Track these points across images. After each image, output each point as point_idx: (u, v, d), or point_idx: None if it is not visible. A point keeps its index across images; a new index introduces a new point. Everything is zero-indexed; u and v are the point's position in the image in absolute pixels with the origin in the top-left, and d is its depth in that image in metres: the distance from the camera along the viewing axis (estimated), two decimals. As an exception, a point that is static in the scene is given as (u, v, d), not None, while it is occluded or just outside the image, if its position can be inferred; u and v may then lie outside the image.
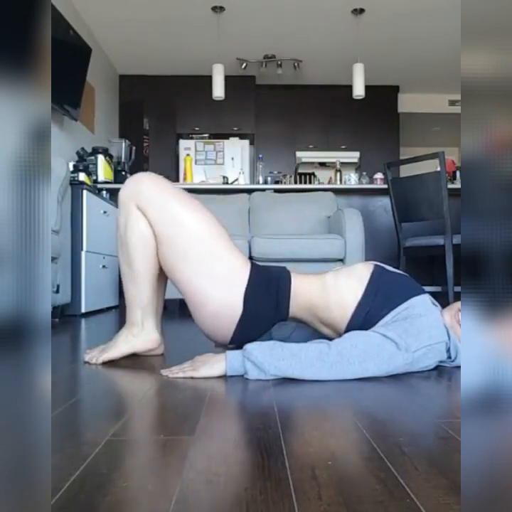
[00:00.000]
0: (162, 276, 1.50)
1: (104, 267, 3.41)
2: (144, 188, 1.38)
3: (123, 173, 4.34)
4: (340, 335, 1.37)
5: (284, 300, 1.36)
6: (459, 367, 1.32)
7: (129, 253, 1.42)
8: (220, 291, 1.33)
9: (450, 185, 3.64)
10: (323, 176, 6.35)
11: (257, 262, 3.54)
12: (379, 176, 4.48)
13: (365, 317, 1.31)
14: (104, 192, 3.88)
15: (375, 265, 1.39)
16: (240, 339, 1.38)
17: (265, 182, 5.18)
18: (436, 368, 1.31)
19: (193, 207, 1.38)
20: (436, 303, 1.38)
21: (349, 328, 1.32)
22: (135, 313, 1.46)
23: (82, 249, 3.03)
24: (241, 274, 1.35)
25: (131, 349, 1.48)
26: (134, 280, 1.44)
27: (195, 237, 1.35)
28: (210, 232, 1.36)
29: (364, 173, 5.22)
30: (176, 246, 1.35)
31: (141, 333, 1.48)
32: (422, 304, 1.29)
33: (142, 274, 1.43)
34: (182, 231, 1.35)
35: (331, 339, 1.24)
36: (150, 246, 1.41)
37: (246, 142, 6.13)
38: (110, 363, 1.44)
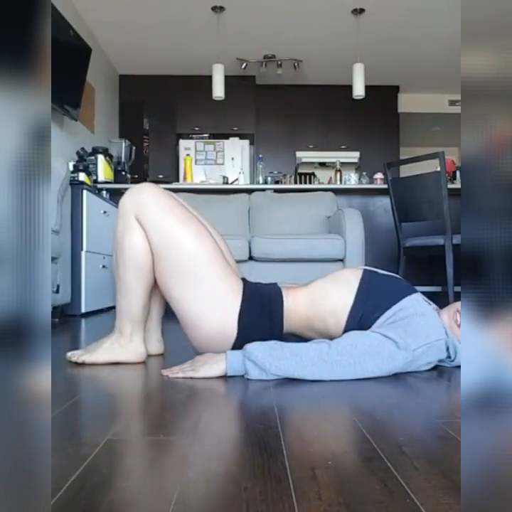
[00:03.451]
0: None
1: (104, 267, 3.40)
2: (145, 199, 1.35)
3: (123, 173, 4.34)
4: None
5: (278, 320, 1.36)
6: (458, 367, 1.32)
7: (124, 266, 1.39)
8: (215, 314, 1.32)
9: (450, 185, 3.64)
10: (323, 175, 6.35)
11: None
12: (379, 175, 4.47)
13: (358, 322, 1.31)
14: (104, 192, 3.88)
15: (364, 270, 1.39)
16: None
17: (265, 182, 5.17)
18: (436, 367, 1.31)
19: (191, 226, 1.34)
20: (430, 301, 1.38)
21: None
22: (125, 324, 1.42)
23: (82, 249, 3.02)
24: (235, 296, 1.34)
25: (114, 359, 1.44)
26: (127, 293, 1.40)
27: (192, 259, 1.32)
28: (208, 254, 1.33)
29: (364, 173, 5.22)
30: (172, 266, 1.33)
31: (129, 345, 1.43)
32: (415, 303, 1.29)
33: (135, 288, 1.39)
34: (179, 252, 1.32)
35: (331, 339, 1.24)
36: (145, 262, 1.37)
37: (246, 142, 6.13)
38: (110, 364, 1.43)
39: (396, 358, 1.19)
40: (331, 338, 1.37)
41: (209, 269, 1.33)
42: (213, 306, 1.32)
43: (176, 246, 1.32)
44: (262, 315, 1.34)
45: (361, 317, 1.31)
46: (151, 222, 1.33)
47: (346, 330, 1.32)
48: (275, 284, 1.43)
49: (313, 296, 1.36)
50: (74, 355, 1.45)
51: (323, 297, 1.35)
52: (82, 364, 1.43)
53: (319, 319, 1.35)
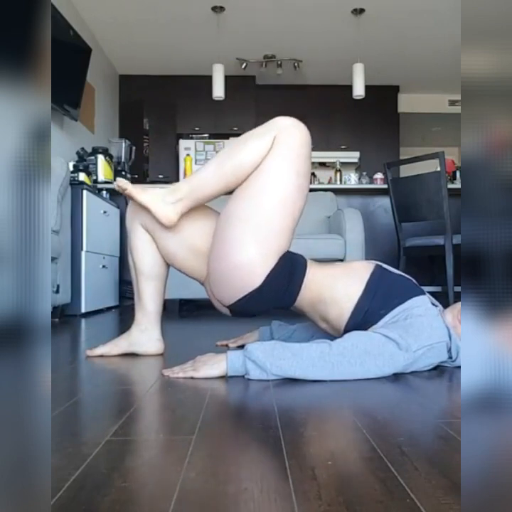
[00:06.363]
0: (164, 278, 1.54)
1: (104, 267, 3.40)
2: (297, 132, 1.32)
3: (123, 173, 4.33)
4: (338, 333, 1.37)
5: (294, 290, 1.37)
6: (459, 367, 1.31)
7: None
8: (256, 253, 1.29)
9: (450, 185, 3.64)
10: (323, 176, 6.35)
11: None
12: (379, 176, 4.47)
13: (363, 317, 1.31)
14: (104, 192, 3.88)
15: (376, 265, 1.39)
16: (238, 308, 1.37)
17: (265, 182, 5.16)
18: (437, 367, 1.31)
19: (305, 181, 1.35)
20: (437, 303, 1.38)
21: (347, 327, 1.33)
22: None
23: (82, 249, 3.03)
24: (278, 254, 1.32)
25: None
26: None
27: (283, 198, 1.30)
28: (297, 211, 1.33)
29: (364, 173, 5.22)
30: (262, 187, 1.30)
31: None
32: (421, 305, 1.29)
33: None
34: (282, 185, 1.30)
35: (331, 339, 1.24)
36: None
37: (246, 142, 6.12)
38: (110, 363, 1.44)
39: (397, 358, 1.19)
40: (333, 327, 1.38)
41: (285, 220, 1.31)
42: (260, 246, 1.29)
43: (283, 182, 1.29)
44: (284, 279, 1.34)
45: (366, 312, 1.31)
46: (287, 149, 1.29)
47: (349, 322, 1.33)
48: (302, 256, 1.42)
49: (324, 280, 1.37)
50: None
51: (330, 284, 1.36)
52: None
53: (323, 305, 1.37)
